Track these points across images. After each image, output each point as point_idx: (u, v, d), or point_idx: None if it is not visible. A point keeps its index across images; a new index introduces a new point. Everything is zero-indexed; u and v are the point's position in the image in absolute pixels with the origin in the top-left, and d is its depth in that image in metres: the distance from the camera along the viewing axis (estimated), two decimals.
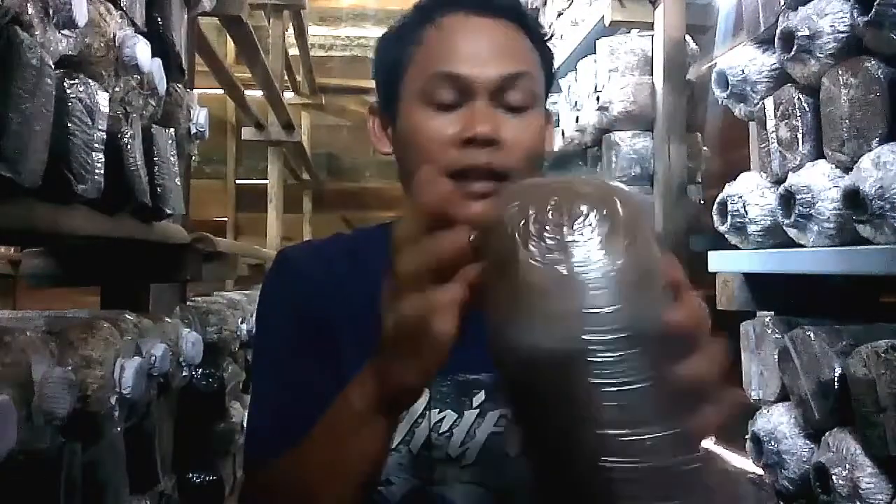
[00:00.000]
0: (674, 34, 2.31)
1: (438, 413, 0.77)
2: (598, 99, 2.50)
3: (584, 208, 0.45)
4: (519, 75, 0.77)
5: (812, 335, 1.35)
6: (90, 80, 0.93)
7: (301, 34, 4.76)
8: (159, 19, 1.31)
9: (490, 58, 0.77)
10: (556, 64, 0.91)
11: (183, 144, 1.51)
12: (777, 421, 1.47)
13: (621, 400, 0.43)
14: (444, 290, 0.51)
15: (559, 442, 0.44)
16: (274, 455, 0.77)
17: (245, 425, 0.87)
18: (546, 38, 0.85)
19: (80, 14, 0.85)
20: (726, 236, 1.65)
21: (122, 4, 1.10)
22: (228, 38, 3.00)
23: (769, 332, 1.55)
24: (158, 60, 1.21)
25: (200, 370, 1.80)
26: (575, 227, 0.45)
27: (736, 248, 1.65)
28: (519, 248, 0.45)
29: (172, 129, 1.37)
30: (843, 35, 1.32)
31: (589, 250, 0.44)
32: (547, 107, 0.87)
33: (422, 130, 0.77)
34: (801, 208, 1.36)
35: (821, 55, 1.35)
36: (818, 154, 1.42)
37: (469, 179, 0.75)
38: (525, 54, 0.80)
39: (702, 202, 2.41)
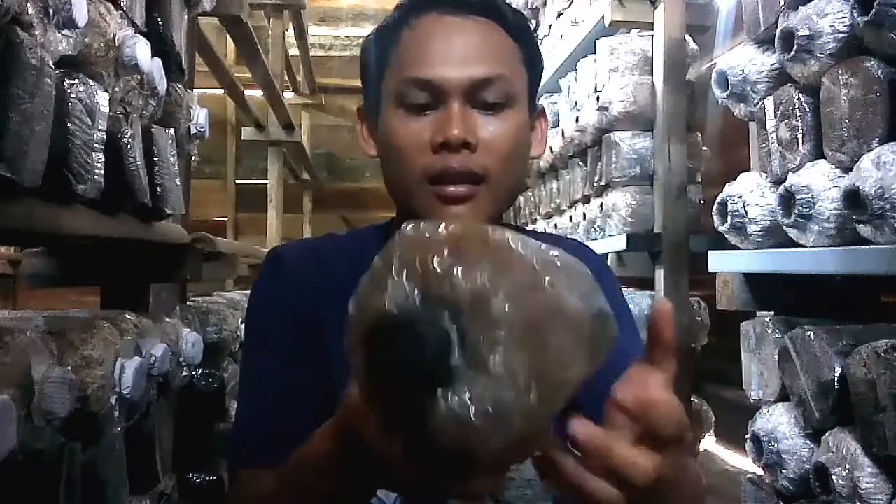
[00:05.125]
0: (674, 34, 2.31)
1: None
2: (598, 99, 2.50)
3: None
4: (491, 77, 0.76)
5: (812, 335, 1.35)
6: (90, 80, 0.93)
7: (301, 34, 4.76)
8: (159, 19, 1.31)
9: (461, 60, 0.76)
10: (545, 56, 0.90)
11: (183, 144, 1.51)
12: (777, 421, 1.47)
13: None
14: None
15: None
16: (260, 458, 0.77)
17: (233, 423, 0.87)
18: (529, 31, 0.84)
19: (80, 14, 0.85)
20: (726, 236, 1.65)
21: (122, 4, 1.10)
22: (228, 38, 3.00)
23: (769, 332, 1.55)
24: (158, 60, 1.21)
25: (200, 370, 1.80)
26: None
27: (736, 248, 1.65)
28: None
29: (172, 129, 1.37)
30: (843, 35, 1.32)
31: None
32: (541, 103, 0.86)
33: (397, 135, 0.77)
34: (801, 208, 1.36)
35: (821, 55, 1.35)
36: (818, 154, 1.42)
37: (445, 183, 0.75)
38: (500, 53, 0.78)
39: (702, 202, 2.41)
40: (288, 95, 5.09)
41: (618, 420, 0.49)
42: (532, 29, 0.86)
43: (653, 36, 2.41)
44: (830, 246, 1.35)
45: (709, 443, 2.55)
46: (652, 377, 0.51)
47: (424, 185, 0.76)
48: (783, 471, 1.43)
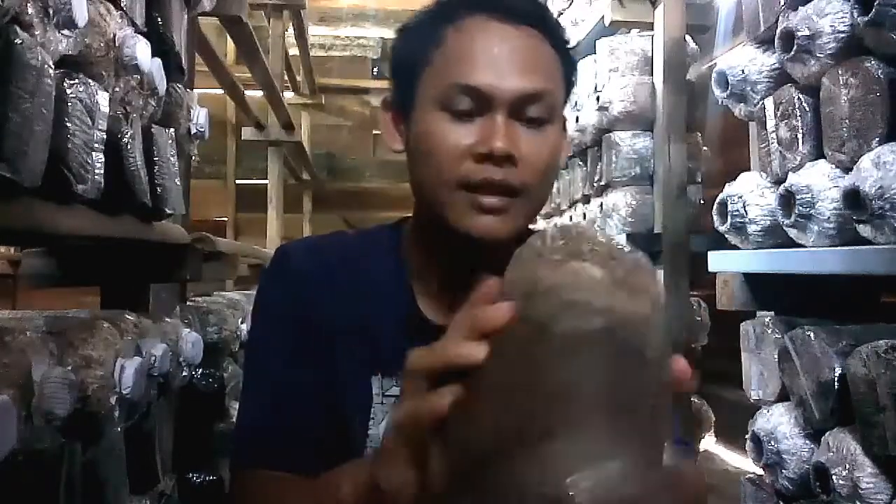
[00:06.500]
0: (674, 34, 2.31)
1: None
2: (598, 99, 2.51)
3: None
4: (540, 92, 0.75)
5: (812, 335, 1.35)
6: (90, 80, 0.93)
7: (301, 34, 4.75)
8: (159, 19, 1.31)
9: (512, 71, 0.74)
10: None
11: (183, 144, 1.51)
12: (777, 421, 1.47)
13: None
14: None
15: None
16: (262, 459, 0.76)
17: (236, 421, 0.86)
18: (568, 42, 0.82)
19: (80, 14, 0.85)
20: (726, 236, 1.65)
21: (122, 4, 1.10)
22: (228, 38, 3.00)
23: (769, 332, 1.55)
24: (158, 60, 1.21)
25: (200, 370, 1.80)
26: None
27: (736, 248, 1.65)
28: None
29: (172, 129, 1.37)
30: (843, 35, 1.32)
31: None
32: (564, 115, 0.84)
33: (437, 139, 0.75)
34: (801, 208, 1.36)
35: (821, 55, 1.35)
36: (818, 154, 1.42)
37: (481, 192, 0.74)
38: (547, 67, 0.77)
39: (702, 202, 2.41)
40: (288, 95, 5.09)
41: None
42: (570, 40, 0.84)
43: (653, 36, 2.42)
44: (830, 246, 1.35)
45: (709, 443, 2.55)
46: None
47: (460, 191, 0.74)
48: (783, 471, 1.43)
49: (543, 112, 0.76)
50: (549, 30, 0.78)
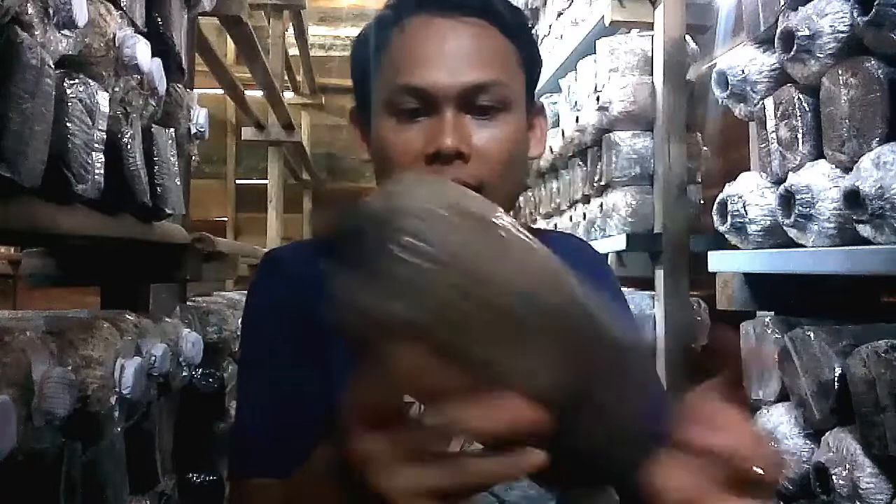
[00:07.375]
0: (674, 34, 2.31)
1: None
2: (598, 99, 2.50)
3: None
4: (485, 82, 0.73)
5: (812, 335, 1.35)
6: (90, 80, 0.93)
7: (301, 34, 4.76)
8: (159, 19, 1.31)
9: (453, 66, 0.73)
10: (542, 55, 0.86)
11: (183, 144, 1.51)
12: (777, 421, 1.47)
13: None
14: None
15: None
16: (263, 467, 0.76)
17: (233, 432, 0.85)
18: (526, 29, 0.81)
19: (80, 14, 0.85)
20: (726, 236, 1.65)
21: (122, 4, 1.10)
22: (228, 38, 3.00)
23: (769, 332, 1.55)
24: (158, 60, 1.21)
25: (200, 370, 1.80)
26: None
27: (736, 248, 1.65)
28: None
29: (172, 129, 1.37)
30: (843, 35, 1.31)
31: None
32: (539, 101, 0.83)
33: (389, 144, 0.74)
34: (801, 208, 1.36)
35: (821, 55, 1.35)
36: (818, 154, 1.42)
37: None
38: (495, 56, 0.75)
39: (702, 202, 2.41)
40: (288, 95, 5.10)
41: (694, 465, 0.45)
42: (529, 26, 0.83)
43: (653, 36, 2.41)
44: (830, 246, 1.35)
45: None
46: (731, 414, 0.48)
47: None
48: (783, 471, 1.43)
49: (495, 102, 0.74)
50: (497, 17, 0.76)
